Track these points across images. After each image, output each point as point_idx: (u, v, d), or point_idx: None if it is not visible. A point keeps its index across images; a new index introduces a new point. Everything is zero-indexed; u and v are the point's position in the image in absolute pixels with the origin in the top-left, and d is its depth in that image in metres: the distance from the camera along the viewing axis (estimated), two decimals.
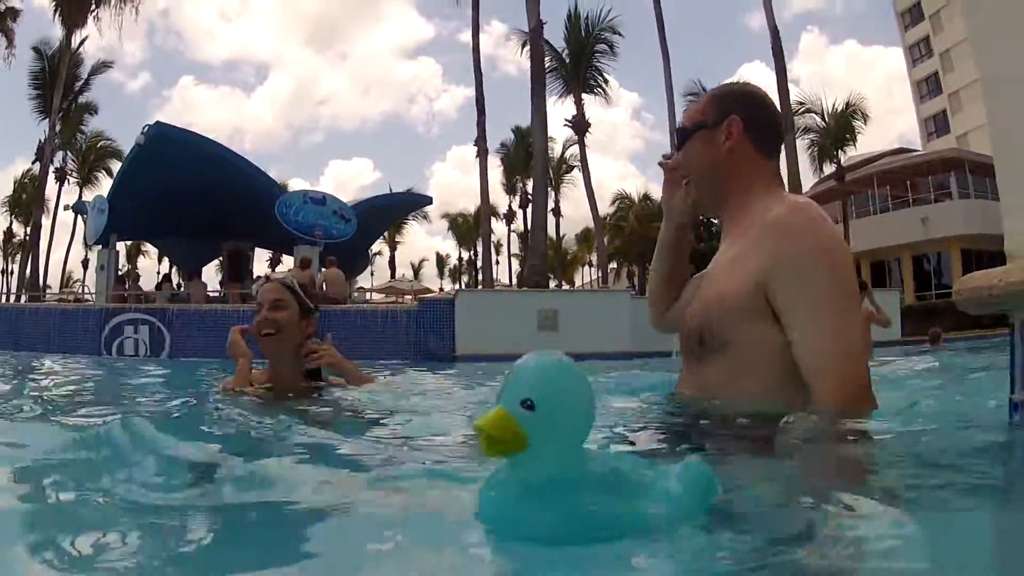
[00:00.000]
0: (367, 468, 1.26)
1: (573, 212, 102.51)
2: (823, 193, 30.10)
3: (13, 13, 27.67)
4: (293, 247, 16.34)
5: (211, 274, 26.21)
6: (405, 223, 46.43)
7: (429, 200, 27.95)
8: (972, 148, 29.01)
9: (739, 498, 0.87)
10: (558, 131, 36.81)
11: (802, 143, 26.88)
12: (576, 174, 35.97)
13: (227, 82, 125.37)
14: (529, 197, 28.77)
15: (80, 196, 33.06)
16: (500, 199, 44.24)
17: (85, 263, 42.18)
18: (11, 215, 44.25)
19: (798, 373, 1.35)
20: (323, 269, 14.00)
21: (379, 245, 44.16)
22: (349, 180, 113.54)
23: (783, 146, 1.72)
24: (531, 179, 22.45)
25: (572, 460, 0.59)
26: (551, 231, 32.57)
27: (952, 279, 25.37)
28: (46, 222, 30.43)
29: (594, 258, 42.00)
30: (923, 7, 38.30)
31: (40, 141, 28.40)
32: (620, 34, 27.88)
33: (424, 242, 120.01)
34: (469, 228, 48.95)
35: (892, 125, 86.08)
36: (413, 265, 59.28)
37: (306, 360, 2.40)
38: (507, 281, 45.61)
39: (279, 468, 1.21)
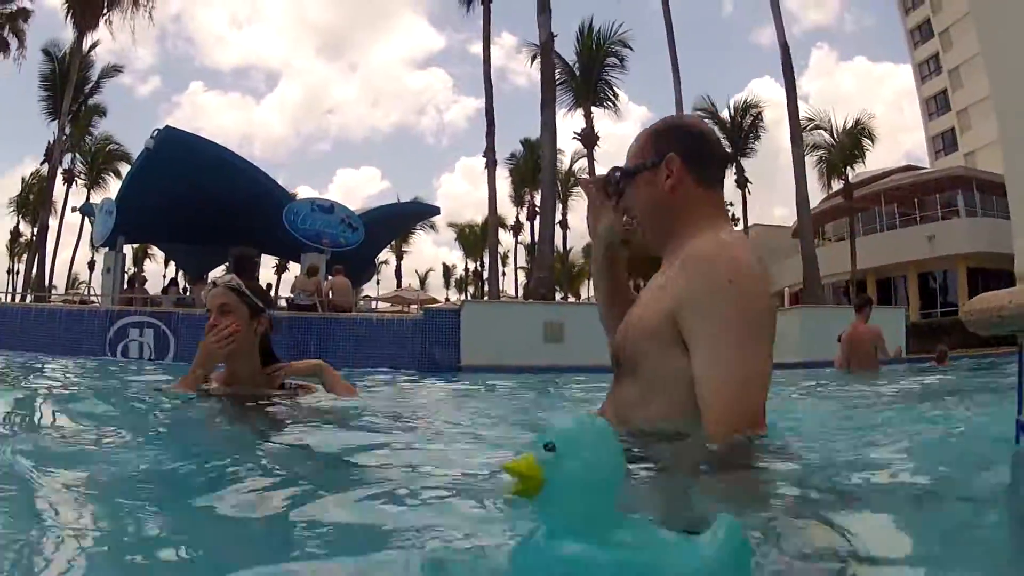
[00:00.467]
0: (296, 480, 1.27)
1: (580, 225, 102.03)
2: (830, 210, 30.06)
3: (24, 14, 27.76)
4: (300, 255, 16.39)
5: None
6: (412, 233, 46.58)
7: (436, 210, 28.08)
8: (980, 166, 28.97)
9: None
10: (567, 144, 36.87)
11: (811, 159, 26.89)
12: None
13: (237, 89, 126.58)
14: (537, 209, 28.70)
15: (88, 198, 33.26)
16: (508, 211, 44.37)
17: (91, 265, 42.39)
18: (18, 215, 44.54)
19: None
20: (329, 277, 14.00)
21: (386, 254, 44.19)
22: (357, 189, 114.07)
23: (723, 175, 1.73)
24: (539, 191, 22.38)
25: (598, 517, 0.61)
26: (558, 243, 32.53)
27: (958, 297, 25.24)
28: (53, 223, 30.46)
29: None
30: (933, 25, 38.36)
31: (49, 142, 28.58)
32: (630, 47, 27.99)
33: (431, 252, 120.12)
34: (476, 239, 48.99)
35: (901, 142, 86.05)
36: (419, 275, 59.40)
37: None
38: (513, 293, 45.61)
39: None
